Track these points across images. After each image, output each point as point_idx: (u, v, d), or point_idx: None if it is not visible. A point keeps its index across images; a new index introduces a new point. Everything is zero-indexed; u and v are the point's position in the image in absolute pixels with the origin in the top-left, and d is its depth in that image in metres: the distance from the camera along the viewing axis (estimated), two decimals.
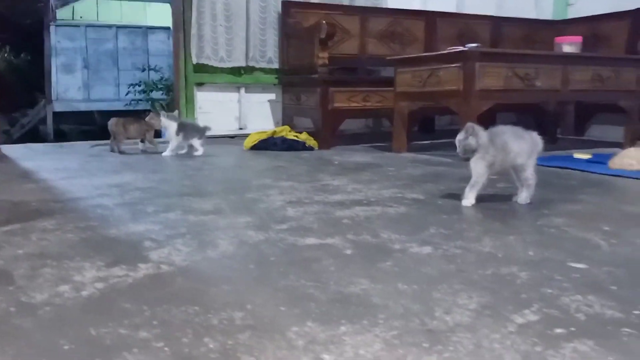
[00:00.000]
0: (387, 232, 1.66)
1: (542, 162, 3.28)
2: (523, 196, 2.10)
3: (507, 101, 3.93)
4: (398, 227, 1.73)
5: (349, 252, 1.47)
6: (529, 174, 2.06)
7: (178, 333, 0.97)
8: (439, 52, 3.89)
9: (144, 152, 3.74)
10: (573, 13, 6.33)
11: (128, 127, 3.72)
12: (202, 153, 3.63)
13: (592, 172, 2.93)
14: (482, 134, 2.00)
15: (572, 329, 0.98)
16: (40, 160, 3.50)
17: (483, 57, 3.55)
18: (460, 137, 2.03)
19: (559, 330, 0.97)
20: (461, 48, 3.61)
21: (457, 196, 2.27)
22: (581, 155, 3.50)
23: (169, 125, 3.58)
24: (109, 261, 1.37)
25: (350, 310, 1.07)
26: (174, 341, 0.94)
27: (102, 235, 1.62)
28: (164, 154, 3.58)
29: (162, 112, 3.60)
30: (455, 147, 2.08)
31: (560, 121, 5.27)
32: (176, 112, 3.68)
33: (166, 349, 0.91)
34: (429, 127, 5.92)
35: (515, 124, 2.16)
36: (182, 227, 1.70)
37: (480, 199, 2.19)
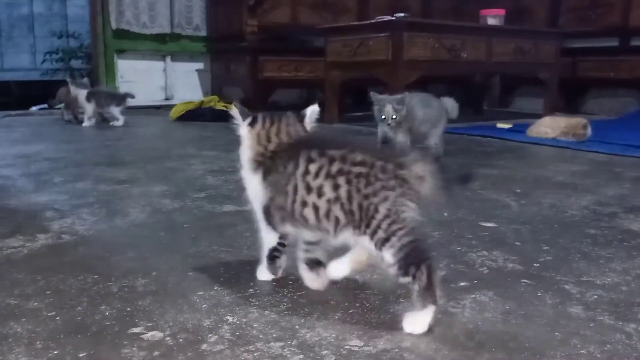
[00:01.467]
0: None
1: (466, 131, 3.39)
2: None
3: (434, 72, 4.00)
4: None
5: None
6: (432, 142, 2.05)
7: (72, 302, 0.91)
8: (368, 22, 3.89)
9: (69, 121, 3.52)
10: None
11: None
12: (122, 123, 3.44)
13: (511, 140, 3.05)
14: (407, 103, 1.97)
15: (475, 281, 1.00)
16: None
17: (411, 27, 3.58)
18: (396, 106, 1.95)
19: (462, 284, 0.99)
20: (389, 18, 3.62)
21: None
22: (503, 124, 3.63)
23: (77, 94, 3.35)
24: (4, 232, 1.27)
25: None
26: (67, 310, 0.88)
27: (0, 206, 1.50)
28: (83, 124, 3.37)
29: (69, 80, 3.40)
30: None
31: (486, 93, 5.44)
32: (85, 80, 3.43)
33: (57, 318, 0.85)
34: (362, 98, 5.95)
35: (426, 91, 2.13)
36: (90, 197, 1.60)
37: None
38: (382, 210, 0.81)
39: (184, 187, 1.78)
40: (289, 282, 0.99)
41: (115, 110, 3.41)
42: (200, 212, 1.48)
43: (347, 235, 0.85)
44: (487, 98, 5.52)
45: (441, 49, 3.72)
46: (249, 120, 0.95)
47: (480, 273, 1.05)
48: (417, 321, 0.81)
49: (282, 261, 0.99)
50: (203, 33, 4.83)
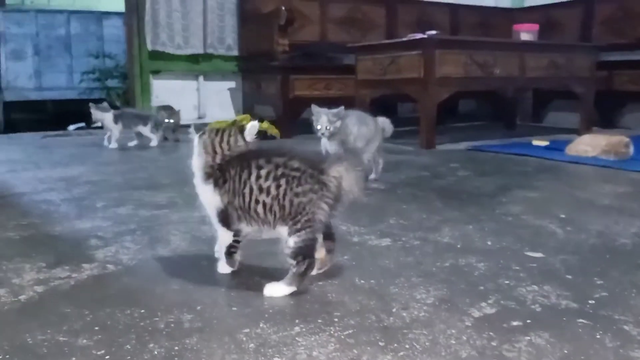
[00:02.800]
0: (346, 224, 1.62)
1: (500, 149, 3.33)
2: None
3: (466, 88, 3.96)
4: (357, 218, 1.70)
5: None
6: (365, 158, 2.13)
7: (121, 339, 0.91)
8: (399, 40, 3.88)
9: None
10: (530, 1, 6.44)
11: None
12: (155, 143, 3.46)
13: (549, 159, 2.98)
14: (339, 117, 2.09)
15: (528, 321, 0.97)
16: None
17: (442, 44, 3.56)
18: (331, 118, 2.05)
19: (515, 323, 0.96)
20: (421, 35, 3.60)
21: (417, 185, 2.27)
22: (539, 142, 3.56)
23: (102, 117, 3.37)
24: (50, 262, 1.28)
25: (304, 308, 1.03)
26: (116, 348, 0.88)
27: (44, 233, 1.53)
28: (110, 145, 3.42)
29: (91, 105, 3.39)
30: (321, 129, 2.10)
31: (518, 108, 5.35)
32: (105, 104, 3.43)
33: (107, 357, 0.85)
34: (392, 114, 5.92)
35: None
36: (132, 223, 1.62)
37: (438, 187, 2.20)
38: (307, 208, 1.04)
39: None
40: (334, 320, 0.98)
41: (144, 130, 3.43)
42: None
43: (280, 228, 1.08)
44: (519, 113, 5.43)
45: (473, 66, 3.68)
46: (200, 133, 1.15)
47: (533, 311, 1.01)
48: (278, 289, 1.07)
49: (238, 255, 1.20)
50: (235, 52, 4.89)
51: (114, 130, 3.39)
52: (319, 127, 2.08)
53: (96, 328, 0.95)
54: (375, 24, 5.48)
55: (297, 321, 0.97)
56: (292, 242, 1.05)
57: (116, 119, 3.37)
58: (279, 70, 4.27)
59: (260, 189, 1.06)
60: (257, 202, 1.07)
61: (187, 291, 1.12)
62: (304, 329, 0.94)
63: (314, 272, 1.15)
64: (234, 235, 1.16)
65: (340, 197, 1.07)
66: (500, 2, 6.47)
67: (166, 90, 4.73)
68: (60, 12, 9.69)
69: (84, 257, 1.32)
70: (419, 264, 1.28)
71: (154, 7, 4.55)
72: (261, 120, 4.21)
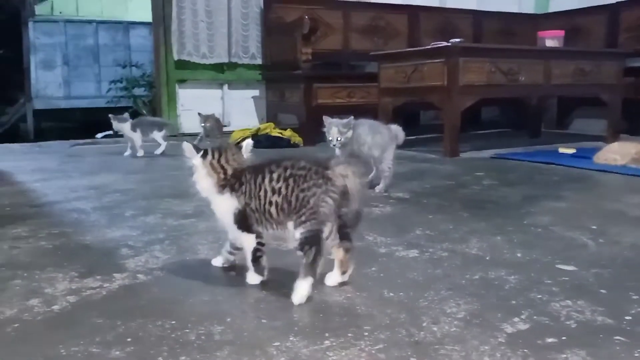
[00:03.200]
0: (373, 235, 1.62)
1: (526, 157, 3.29)
2: (380, 186, 2.22)
3: (490, 96, 3.92)
4: (383, 228, 1.70)
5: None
6: (385, 166, 2.17)
7: (153, 351, 0.92)
8: (423, 48, 3.86)
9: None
10: (554, 7, 6.36)
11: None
12: (163, 149, 3.48)
13: (576, 167, 2.93)
14: (350, 125, 2.14)
15: (563, 337, 0.95)
16: (16, 160, 3.40)
17: (466, 52, 3.53)
18: (341, 129, 2.10)
19: (550, 340, 0.94)
20: (444, 43, 3.59)
21: (442, 195, 2.25)
22: (566, 150, 3.50)
23: (121, 127, 3.43)
24: (82, 271, 1.31)
25: (333, 321, 1.03)
26: None
27: (76, 242, 1.56)
28: (137, 154, 3.48)
29: (111, 116, 3.45)
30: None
31: (543, 115, 5.27)
32: (126, 114, 3.51)
33: None
34: (414, 122, 5.90)
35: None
36: (160, 232, 1.64)
37: (464, 196, 2.18)
38: (311, 202, 1.10)
39: None
40: (364, 334, 0.97)
41: (157, 136, 3.47)
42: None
43: (288, 225, 1.13)
44: (544, 120, 5.35)
45: (498, 73, 3.64)
46: (200, 154, 1.20)
47: (568, 327, 0.99)
48: (302, 290, 1.10)
49: (265, 261, 1.23)
50: (258, 61, 4.94)
51: (135, 138, 3.45)
52: (330, 138, 2.13)
53: (128, 339, 0.96)
54: (398, 32, 5.47)
55: (327, 335, 0.97)
56: (298, 233, 1.11)
57: (134, 128, 3.43)
58: (302, 78, 4.30)
59: (273, 191, 1.14)
60: (270, 203, 1.14)
61: (217, 302, 1.13)
62: (334, 343, 0.94)
63: (339, 279, 1.20)
64: (257, 237, 1.20)
65: (346, 194, 1.12)
66: (523, 8, 6.40)
67: (191, 99, 4.80)
68: (89, 22, 9.93)
69: (115, 266, 1.34)
70: (448, 276, 1.27)
71: (180, 18, 4.62)
72: (284, 129, 4.24)
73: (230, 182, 1.18)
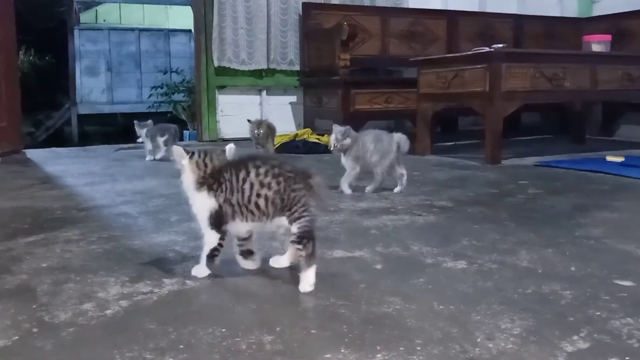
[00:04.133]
0: (418, 244, 1.59)
1: (571, 165, 3.19)
2: (369, 187, 2.39)
3: (534, 102, 3.83)
4: (428, 238, 1.67)
5: (379, 266, 1.41)
6: (379, 170, 2.34)
7: (205, 359, 0.92)
8: (464, 53, 3.80)
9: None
10: (598, 10, 6.17)
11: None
12: (162, 154, 3.51)
13: (626, 177, 2.82)
14: (353, 135, 2.33)
15: (627, 358, 0.91)
16: (64, 164, 3.51)
17: (509, 57, 3.46)
18: (339, 136, 2.31)
19: None
20: (487, 49, 3.52)
21: (486, 204, 2.20)
22: (614, 158, 3.38)
23: (141, 133, 3.58)
24: (133, 276, 1.33)
25: (383, 334, 1.01)
26: None
27: (125, 246, 1.59)
28: (155, 158, 3.57)
29: (135, 122, 3.61)
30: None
31: (587, 121, 5.12)
32: (149, 121, 3.63)
33: None
34: (452, 127, 5.83)
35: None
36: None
37: (509, 205, 2.13)
38: (301, 200, 1.23)
39: None
40: (417, 348, 0.95)
41: (159, 140, 3.53)
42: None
43: (278, 219, 1.25)
44: (588, 126, 5.19)
45: (542, 79, 3.55)
46: (189, 155, 1.30)
47: (630, 347, 0.95)
48: (308, 279, 1.22)
49: (218, 260, 1.32)
50: (296, 67, 4.97)
51: (146, 143, 3.56)
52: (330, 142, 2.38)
53: (181, 346, 0.97)
54: (436, 37, 5.42)
55: (378, 347, 0.96)
56: (296, 228, 1.23)
57: (147, 133, 3.54)
58: (340, 84, 4.30)
59: (262, 184, 1.23)
60: (258, 195, 1.24)
61: (265, 311, 1.13)
62: (386, 357, 0.92)
63: (284, 264, 1.37)
64: (220, 238, 1.30)
65: (318, 199, 1.28)
66: (566, 12, 6.24)
67: (230, 105, 4.87)
68: (131, 29, 10.23)
69: (164, 271, 1.36)
70: (499, 289, 1.23)
71: (221, 25, 4.70)
72: (322, 134, 4.24)
73: (209, 182, 1.28)
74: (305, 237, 1.22)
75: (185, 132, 6.62)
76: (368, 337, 1.00)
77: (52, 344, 0.99)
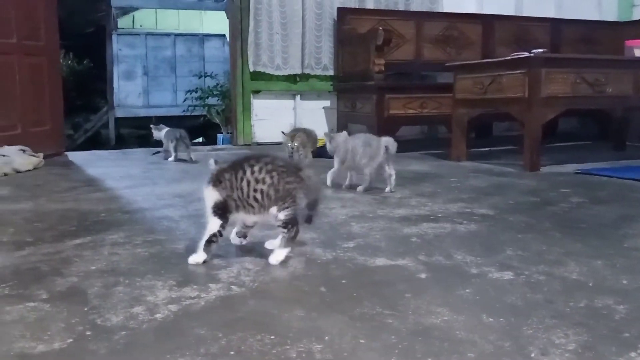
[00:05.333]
0: (461, 253, 1.57)
1: (614, 173, 3.10)
2: (360, 187, 2.58)
3: (575, 107, 3.73)
4: (471, 247, 1.65)
5: (423, 275, 1.40)
6: (367, 171, 2.52)
7: None
8: (503, 58, 3.74)
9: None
10: (638, 14, 6.01)
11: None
12: (172, 159, 3.74)
13: None
14: (339, 139, 2.60)
15: None
16: (104, 167, 3.59)
17: (549, 62, 3.39)
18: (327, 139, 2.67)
19: None
20: (526, 54, 3.46)
21: (528, 212, 2.16)
22: None
23: (160, 136, 3.84)
24: (180, 280, 1.35)
25: (434, 345, 1.00)
26: None
27: (170, 250, 1.62)
28: (169, 159, 3.78)
29: (152, 126, 3.93)
30: None
31: (628, 127, 4.97)
32: (161, 125, 3.90)
33: None
34: (487, 133, 5.74)
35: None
36: (248, 243, 1.67)
37: (552, 214, 2.08)
38: (292, 192, 1.44)
39: (332, 234, 1.80)
40: None
41: (170, 146, 3.77)
42: (354, 266, 1.47)
43: (272, 209, 1.45)
44: (628, 131, 5.03)
45: (583, 84, 3.47)
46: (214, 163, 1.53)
47: None
48: (280, 254, 1.47)
49: (214, 248, 1.49)
50: (330, 72, 4.98)
51: (168, 145, 3.81)
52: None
53: (231, 353, 0.98)
54: (471, 41, 5.36)
55: (429, 359, 0.94)
56: (282, 215, 1.44)
57: (166, 135, 3.81)
58: (375, 89, 4.28)
59: (257, 180, 1.43)
60: (255, 190, 1.43)
61: (312, 318, 1.13)
62: None
63: (272, 247, 1.53)
64: (221, 226, 1.46)
65: (308, 190, 1.48)
66: (605, 16, 6.10)
67: (265, 109, 4.91)
68: (167, 35, 10.45)
69: (209, 277, 1.38)
70: (550, 302, 1.21)
71: (257, 31, 4.75)
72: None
73: (214, 179, 1.48)
74: (290, 223, 1.45)
75: (219, 135, 6.70)
76: (418, 349, 0.99)
77: (105, 347, 1.01)
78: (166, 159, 3.81)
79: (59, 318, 1.13)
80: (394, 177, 2.55)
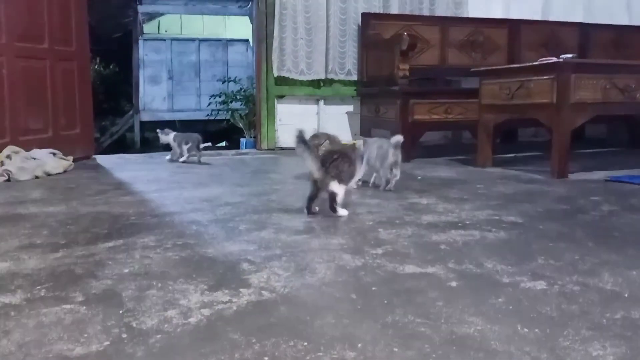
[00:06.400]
0: (491, 262, 1.56)
1: None
2: (389, 185, 2.78)
3: (604, 113, 3.67)
4: (501, 255, 1.63)
5: (454, 284, 1.39)
6: (382, 172, 2.77)
7: None
8: (530, 64, 3.70)
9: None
10: None
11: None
12: (184, 159, 3.94)
13: None
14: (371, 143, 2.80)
15: None
16: (132, 170, 3.65)
17: (579, 68, 3.33)
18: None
19: None
20: (555, 59, 3.41)
21: (559, 220, 2.13)
22: None
23: (168, 139, 4.00)
24: (211, 284, 1.37)
25: (469, 356, 0.99)
26: None
27: (200, 254, 1.63)
28: (180, 160, 3.96)
29: (158, 130, 4.11)
30: None
31: None
32: (167, 129, 4.09)
33: None
34: (512, 138, 5.67)
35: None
36: (276, 248, 1.68)
37: (584, 223, 2.04)
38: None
39: (359, 240, 1.80)
40: None
41: (183, 148, 3.95)
42: (384, 273, 1.47)
43: None
44: None
45: (613, 90, 3.40)
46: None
47: None
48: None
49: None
50: (354, 77, 4.98)
51: (176, 148, 3.98)
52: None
53: (265, 358, 0.98)
54: (497, 46, 5.31)
55: None
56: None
57: (175, 138, 3.98)
58: (399, 94, 4.26)
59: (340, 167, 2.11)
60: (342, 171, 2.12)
61: (344, 326, 1.13)
62: None
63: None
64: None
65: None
66: (634, 19, 5.98)
67: (289, 114, 4.93)
68: (192, 40, 10.59)
69: (240, 281, 1.39)
70: (586, 313, 1.18)
71: (282, 36, 4.78)
72: None
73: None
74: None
75: (242, 139, 6.75)
76: (453, 358, 0.98)
77: (142, 350, 1.02)
78: (175, 160, 4.00)
79: (95, 320, 1.16)
80: (397, 178, 2.77)
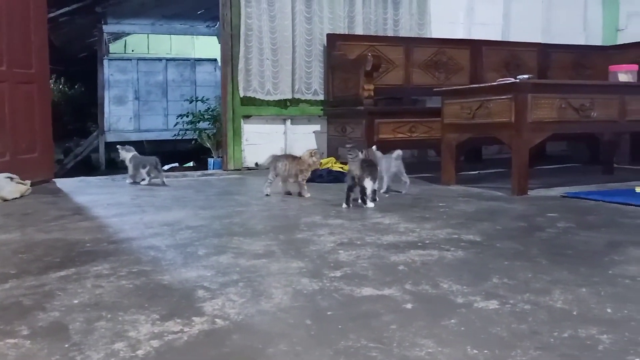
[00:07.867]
0: (448, 282, 1.57)
1: (602, 197, 3.13)
2: (404, 189, 3.46)
3: (561, 132, 3.78)
4: (458, 275, 1.65)
5: (409, 305, 1.39)
6: (385, 180, 3.41)
7: None
8: (489, 84, 3.80)
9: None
10: (623, 38, 6.15)
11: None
12: (147, 182, 3.93)
13: None
14: (377, 156, 3.36)
15: None
16: (93, 194, 3.58)
17: (535, 88, 3.44)
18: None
19: None
20: (512, 80, 3.51)
21: (516, 238, 2.17)
22: None
23: (125, 156, 4.02)
24: (163, 313, 1.34)
25: None
26: None
27: (155, 282, 1.60)
28: (142, 183, 3.95)
29: (119, 147, 4.12)
30: None
31: (615, 150, 5.03)
32: (128, 147, 4.08)
33: None
34: (477, 156, 5.79)
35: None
36: (234, 274, 1.67)
37: (540, 241, 2.09)
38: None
39: (319, 263, 1.79)
40: None
41: (142, 171, 3.95)
42: (341, 297, 1.47)
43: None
44: (616, 154, 5.09)
45: (568, 109, 3.52)
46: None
47: None
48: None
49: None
50: (320, 97, 5.03)
51: (130, 167, 3.99)
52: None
53: None
54: (460, 67, 5.45)
55: None
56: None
57: (131, 159, 3.98)
58: (364, 114, 4.32)
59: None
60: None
61: (296, 353, 1.12)
62: None
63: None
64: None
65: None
66: (590, 40, 6.23)
67: (255, 134, 4.93)
68: (159, 59, 10.54)
69: (193, 309, 1.37)
70: (535, 333, 1.20)
71: (247, 57, 4.80)
72: (345, 163, 4.25)
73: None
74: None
75: (209, 159, 6.70)
76: None
77: None
78: (137, 182, 3.98)
79: (39, 355, 1.12)
80: (408, 183, 3.45)
